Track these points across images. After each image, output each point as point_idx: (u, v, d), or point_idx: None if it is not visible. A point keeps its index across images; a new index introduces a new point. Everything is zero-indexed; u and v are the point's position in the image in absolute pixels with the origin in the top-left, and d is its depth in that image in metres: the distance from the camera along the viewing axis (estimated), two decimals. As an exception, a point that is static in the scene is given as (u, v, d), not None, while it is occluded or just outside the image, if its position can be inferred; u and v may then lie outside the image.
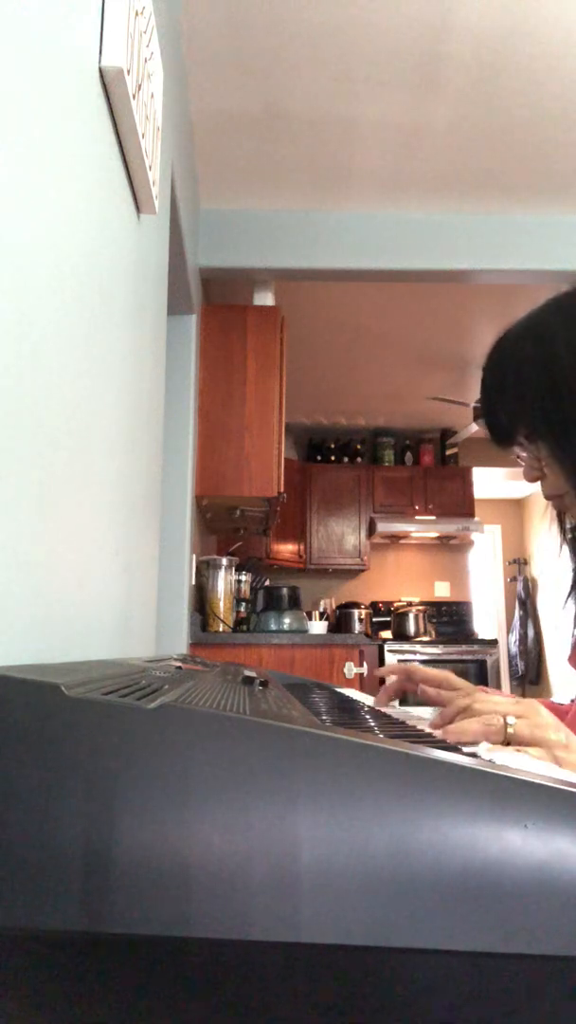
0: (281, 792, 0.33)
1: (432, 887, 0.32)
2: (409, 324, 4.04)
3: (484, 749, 0.58)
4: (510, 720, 0.64)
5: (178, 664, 0.89)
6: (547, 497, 0.89)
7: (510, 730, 0.63)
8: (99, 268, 1.01)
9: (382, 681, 0.98)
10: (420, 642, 5.19)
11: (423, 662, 5.03)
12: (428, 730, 0.68)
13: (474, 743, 0.62)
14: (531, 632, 6.37)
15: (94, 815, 0.32)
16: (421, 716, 0.85)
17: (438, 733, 0.65)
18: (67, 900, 0.32)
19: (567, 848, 0.32)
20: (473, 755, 0.47)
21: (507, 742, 0.63)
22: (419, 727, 0.70)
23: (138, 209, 1.33)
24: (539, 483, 0.89)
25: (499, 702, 0.67)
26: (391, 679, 0.96)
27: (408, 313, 3.90)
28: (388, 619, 5.58)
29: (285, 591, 3.30)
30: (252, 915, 0.32)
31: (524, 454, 0.87)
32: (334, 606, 5.64)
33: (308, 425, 5.80)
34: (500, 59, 2.25)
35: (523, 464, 0.89)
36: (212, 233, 3.00)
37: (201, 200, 2.96)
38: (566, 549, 0.93)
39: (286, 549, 5.35)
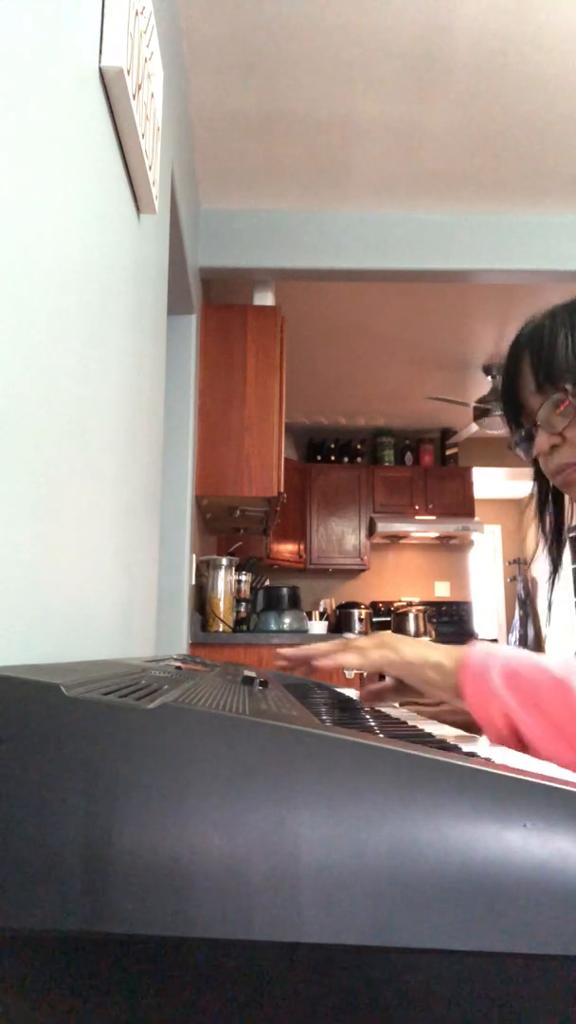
0: (281, 792, 0.33)
1: (432, 887, 0.32)
2: (409, 324, 4.04)
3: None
4: (350, 636, 0.75)
5: (178, 664, 0.89)
6: (557, 470, 0.88)
7: (351, 645, 0.80)
8: (99, 268, 1.01)
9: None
10: (420, 642, 5.18)
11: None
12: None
13: (331, 662, 0.79)
14: (531, 632, 6.37)
15: (94, 815, 0.32)
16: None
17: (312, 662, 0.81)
18: (67, 900, 0.32)
19: (567, 848, 0.32)
20: (472, 754, 0.47)
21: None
22: (411, 723, 0.70)
23: (138, 209, 1.33)
24: (546, 459, 0.88)
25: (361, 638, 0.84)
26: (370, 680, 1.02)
27: (408, 313, 3.90)
28: (388, 619, 5.58)
29: (285, 591, 3.30)
30: (252, 915, 0.32)
31: (545, 420, 0.86)
32: (334, 606, 5.63)
33: (308, 425, 5.80)
34: (500, 59, 2.25)
35: (535, 439, 0.87)
36: (212, 233, 2.99)
37: (201, 200, 2.96)
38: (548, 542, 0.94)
39: (286, 549, 5.35)
